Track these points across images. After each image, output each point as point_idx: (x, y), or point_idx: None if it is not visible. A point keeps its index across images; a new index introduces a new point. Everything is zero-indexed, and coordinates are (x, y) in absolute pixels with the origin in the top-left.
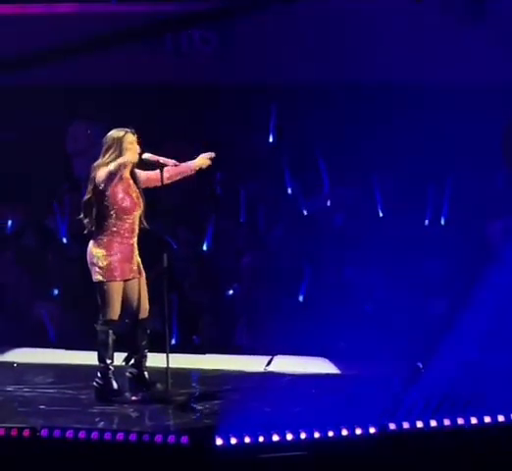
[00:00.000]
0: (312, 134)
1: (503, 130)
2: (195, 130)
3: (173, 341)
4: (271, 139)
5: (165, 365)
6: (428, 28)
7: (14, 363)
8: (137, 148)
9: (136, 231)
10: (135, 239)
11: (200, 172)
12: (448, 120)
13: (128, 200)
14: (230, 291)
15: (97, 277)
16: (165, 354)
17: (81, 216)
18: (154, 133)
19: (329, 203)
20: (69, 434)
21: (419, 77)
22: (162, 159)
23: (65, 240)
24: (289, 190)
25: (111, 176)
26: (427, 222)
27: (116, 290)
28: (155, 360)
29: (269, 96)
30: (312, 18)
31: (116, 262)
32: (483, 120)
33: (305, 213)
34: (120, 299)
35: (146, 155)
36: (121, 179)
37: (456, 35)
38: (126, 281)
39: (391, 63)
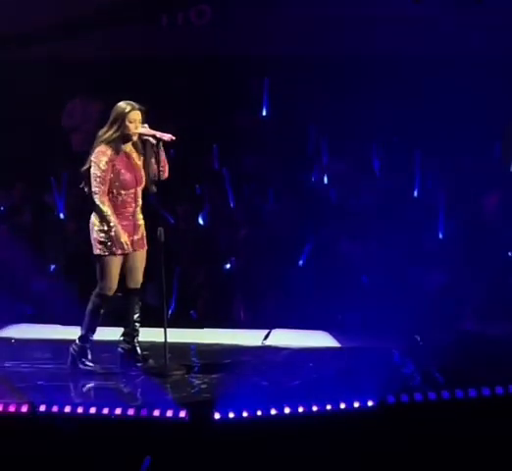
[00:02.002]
0: (308, 107)
1: (503, 130)
2: (191, 103)
3: (170, 316)
4: (265, 113)
5: (162, 340)
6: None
7: (12, 339)
8: (140, 126)
9: (139, 204)
10: (138, 212)
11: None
12: (448, 90)
13: (127, 175)
14: (228, 265)
15: (97, 250)
16: (162, 329)
17: (82, 185)
18: (150, 107)
19: (326, 176)
20: (67, 409)
21: (418, 48)
22: (158, 133)
23: (62, 216)
24: (286, 164)
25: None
26: (417, 192)
27: (114, 265)
28: (152, 335)
29: (264, 68)
30: None
31: (116, 236)
32: (484, 91)
33: (301, 186)
34: (117, 274)
35: (142, 129)
36: (120, 154)
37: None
38: (126, 254)
39: (390, 34)
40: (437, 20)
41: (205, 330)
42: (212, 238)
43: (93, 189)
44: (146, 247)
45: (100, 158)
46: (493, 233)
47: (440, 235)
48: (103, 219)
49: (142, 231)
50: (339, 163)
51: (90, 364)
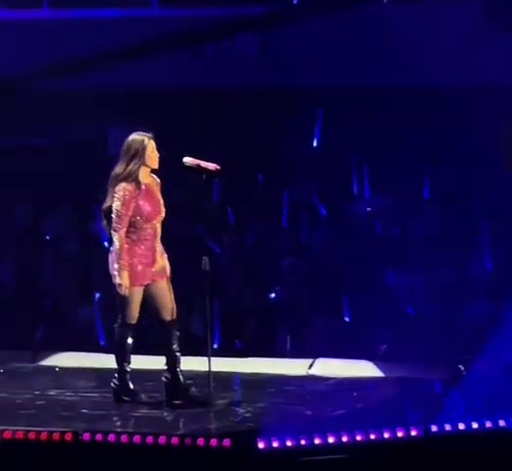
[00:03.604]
0: (354, 137)
1: (502, 129)
2: (237, 134)
3: (215, 345)
4: (314, 143)
5: (207, 369)
6: (472, 33)
7: (56, 367)
8: (157, 155)
9: (159, 235)
10: (158, 243)
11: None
12: (494, 121)
13: (148, 208)
14: (273, 295)
15: (117, 279)
16: (207, 358)
17: (104, 223)
18: (195, 138)
19: (370, 208)
20: (111, 438)
21: (465, 80)
22: (203, 163)
23: (107, 244)
24: (332, 194)
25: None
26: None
27: (134, 295)
28: (197, 364)
29: (310, 99)
30: (353, 21)
31: (136, 267)
32: None
33: (347, 216)
34: (138, 304)
35: (186, 159)
36: (141, 187)
37: (499, 40)
38: (146, 284)
39: (437, 66)
40: (484, 50)
41: (249, 359)
42: (257, 268)
43: (113, 225)
44: (168, 277)
45: (123, 195)
46: None
47: (488, 266)
48: (116, 255)
49: (163, 262)
50: (385, 194)
51: (134, 396)
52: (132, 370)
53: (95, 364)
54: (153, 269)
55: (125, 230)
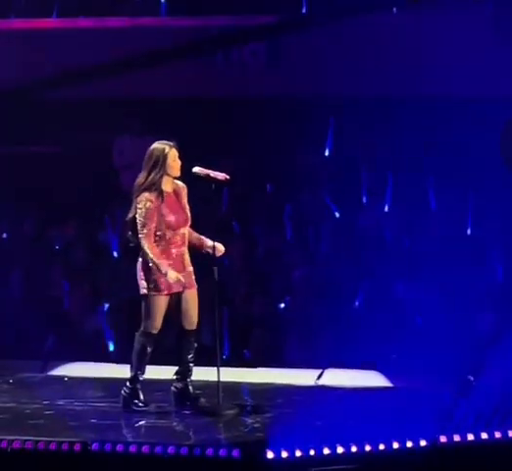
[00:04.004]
0: (364, 148)
1: (502, 130)
2: (246, 144)
3: (224, 355)
4: (322, 152)
5: (216, 379)
6: (482, 44)
7: (65, 377)
8: (180, 163)
9: (185, 244)
10: (185, 252)
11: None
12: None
13: (173, 217)
14: (282, 305)
15: (143, 290)
16: (216, 368)
17: (129, 234)
18: (202, 147)
19: (380, 218)
20: (119, 448)
21: (476, 89)
22: (212, 172)
23: (116, 254)
24: (342, 203)
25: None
26: (471, 232)
27: (160, 304)
28: (206, 374)
29: (319, 108)
30: (359, 31)
31: (162, 277)
32: None
33: (355, 227)
34: (162, 314)
35: (196, 168)
36: (164, 196)
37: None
38: (172, 294)
39: (447, 76)
40: (495, 62)
41: (258, 369)
42: (266, 278)
43: (139, 236)
44: (196, 287)
45: (145, 205)
46: None
47: (499, 276)
48: (153, 263)
49: (190, 270)
50: (395, 203)
51: (143, 405)
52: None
53: (104, 374)
54: (181, 277)
55: (151, 238)
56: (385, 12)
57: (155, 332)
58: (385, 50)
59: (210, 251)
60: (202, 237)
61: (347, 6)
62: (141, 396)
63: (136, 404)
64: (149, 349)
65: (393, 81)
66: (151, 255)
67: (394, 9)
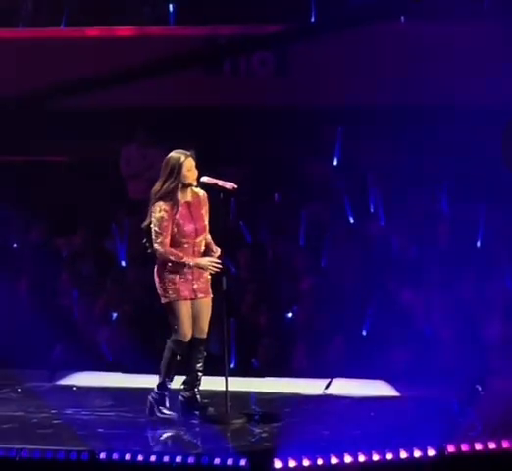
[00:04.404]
0: (371, 156)
1: (503, 131)
2: (254, 152)
3: (231, 365)
4: (330, 162)
5: (223, 388)
6: (490, 53)
7: (73, 386)
8: (196, 173)
9: (202, 251)
10: None
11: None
12: None
13: (188, 226)
14: (290, 314)
15: (165, 299)
16: (223, 377)
17: (145, 241)
18: (210, 156)
19: (388, 227)
20: (127, 457)
21: (489, 100)
22: (220, 182)
23: (123, 263)
24: (349, 214)
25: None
26: (480, 243)
27: (185, 309)
28: (213, 383)
29: (326, 117)
30: (370, 39)
31: (183, 283)
32: None
33: (364, 235)
34: (190, 320)
35: (204, 178)
36: (180, 205)
37: None
38: (193, 300)
39: (454, 85)
40: (505, 73)
41: (266, 378)
42: (274, 287)
43: (155, 245)
44: (211, 295)
45: (160, 214)
46: None
47: (507, 284)
48: (166, 268)
49: (206, 278)
50: (402, 213)
51: (168, 412)
52: (146, 389)
53: (112, 383)
54: (195, 285)
55: (167, 246)
56: (393, 21)
57: (186, 339)
58: (395, 59)
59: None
60: (210, 243)
61: (355, 15)
62: (167, 404)
63: (161, 411)
64: (178, 357)
65: (405, 90)
66: (172, 258)
67: (402, 18)
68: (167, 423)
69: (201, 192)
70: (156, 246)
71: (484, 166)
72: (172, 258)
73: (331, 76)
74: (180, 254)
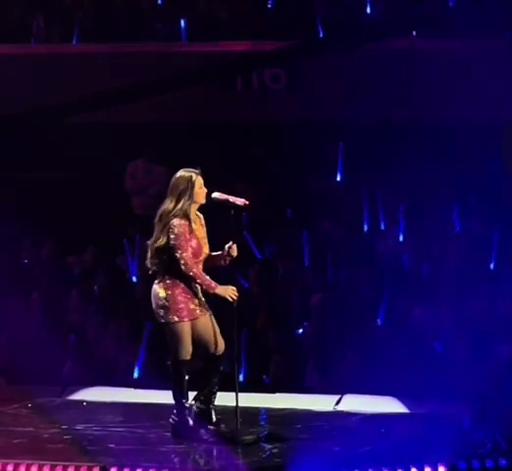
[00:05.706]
0: (382, 173)
1: (503, 132)
2: (265, 169)
3: (242, 380)
4: (338, 178)
5: (234, 404)
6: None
7: (83, 402)
8: (205, 190)
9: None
10: None
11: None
12: None
13: (195, 244)
14: (300, 330)
15: (163, 319)
16: (234, 393)
17: (150, 259)
18: (220, 172)
19: (398, 244)
20: None
21: (496, 116)
22: (231, 198)
23: (135, 279)
24: (359, 229)
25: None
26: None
27: (185, 331)
28: (224, 399)
29: (339, 133)
30: (381, 55)
31: (182, 303)
32: None
33: (374, 251)
34: (190, 339)
35: (215, 194)
36: (192, 223)
37: None
38: (194, 319)
39: (466, 101)
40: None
41: (277, 395)
42: (285, 303)
43: (180, 263)
44: (210, 312)
45: (181, 230)
46: None
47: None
48: (166, 287)
49: (201, 296)
50: (413, 229)
51: (193, 432)
52: (157, 404)
53: (123, 399)
54: (193, 305)
55: (192, 261)
56: (404, 36)
57: (188, 357)
58: (404, 75)
59: (227, 257)
60: (214, 254)
61: (363, 31)
62: (190, 423)
63: (186, 431)
64: (187, 376)
65: (415, 107)
66: (199, 280)
67: (414, 32)
68: (179, 438)
69: (198, 213)
70: (182, 264)
71: (498, 182)
72: (197, 279)
73: (341, 90)
74: (207, 278)
